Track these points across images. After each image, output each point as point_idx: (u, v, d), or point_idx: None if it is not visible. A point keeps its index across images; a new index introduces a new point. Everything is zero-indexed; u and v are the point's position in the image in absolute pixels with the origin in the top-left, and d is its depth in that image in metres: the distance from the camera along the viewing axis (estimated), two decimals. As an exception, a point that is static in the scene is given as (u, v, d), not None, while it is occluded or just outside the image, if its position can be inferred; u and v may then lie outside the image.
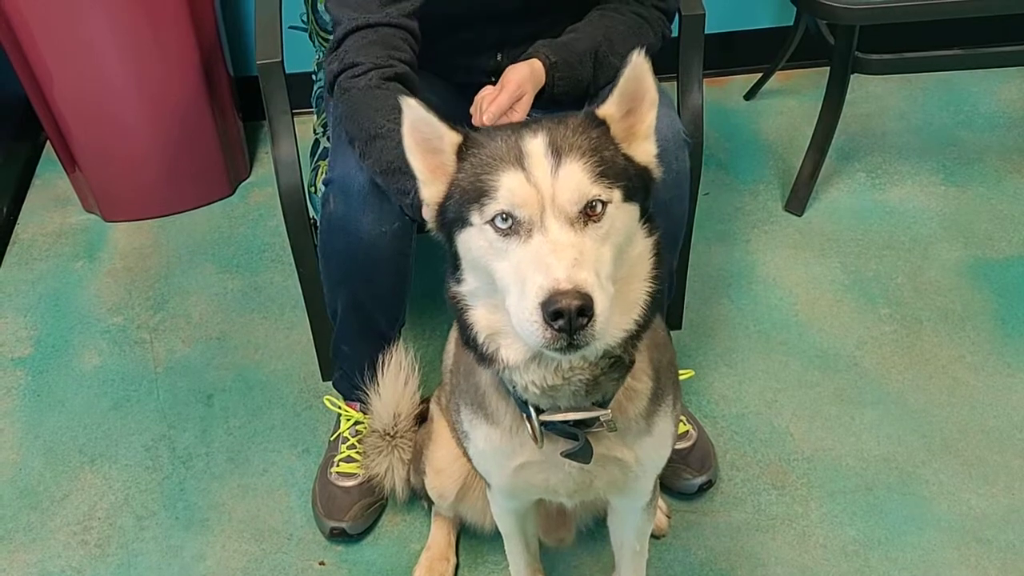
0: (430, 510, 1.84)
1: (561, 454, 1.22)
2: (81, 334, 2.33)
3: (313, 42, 2.14)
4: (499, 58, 1.69)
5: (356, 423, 1.91)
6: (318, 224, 1.71)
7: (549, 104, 1.56)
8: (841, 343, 2.18)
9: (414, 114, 1.11)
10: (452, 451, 1.64)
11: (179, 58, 2.44)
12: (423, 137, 1.12)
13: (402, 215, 1.57)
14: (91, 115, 2.47)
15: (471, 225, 1.07)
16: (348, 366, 1.86)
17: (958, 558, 1.78)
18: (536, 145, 1.05)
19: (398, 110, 1.33)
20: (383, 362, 1.72)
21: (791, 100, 2.90)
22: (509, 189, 1.03)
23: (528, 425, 1.19)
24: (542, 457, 1.25)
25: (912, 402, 2.05)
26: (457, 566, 1.81)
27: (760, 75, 2.90)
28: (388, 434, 1.82)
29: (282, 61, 1.83)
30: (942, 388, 2.07)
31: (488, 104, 1.48)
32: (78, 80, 2.40)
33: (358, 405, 1.90)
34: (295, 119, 1.86)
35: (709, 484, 1.89)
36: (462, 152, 1.11)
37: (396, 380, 1.75)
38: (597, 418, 1.18)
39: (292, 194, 1.82)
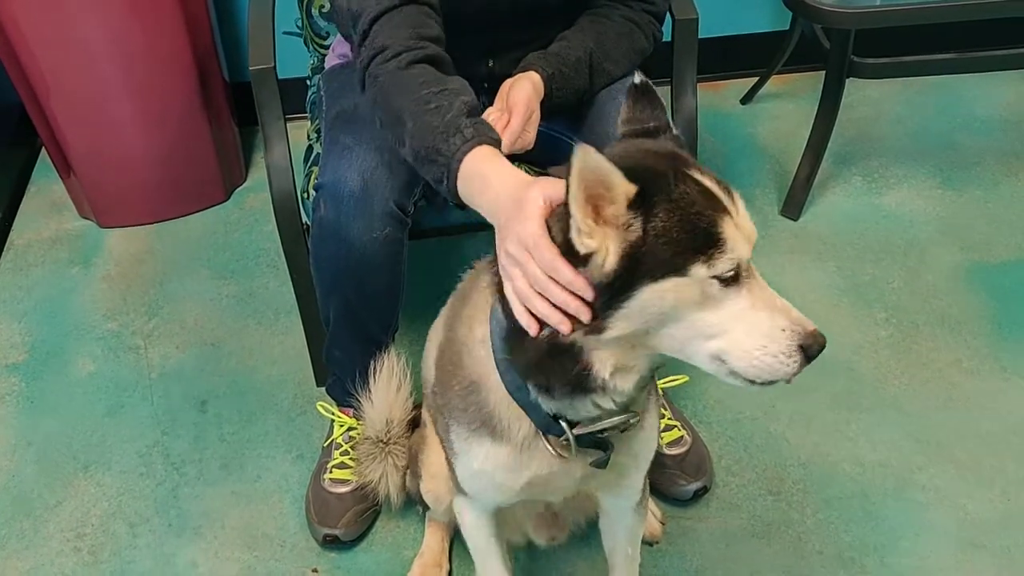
0: (424, 516, 1.83)
1: (591, 464, 1.22)
2: (75, 340, 2.33)
3: (308, 47, 2.13)
4: (491, 64, 1.68)
5: (349, 429, 1.90)
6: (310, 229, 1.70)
7: (547, 114, 1.55)
8: (837, 348, 2.17)
9: (585, 161, 0.97)
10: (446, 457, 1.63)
11: (174, 64, 2.44)
12: (587, 184, 0.99)
13: (394, 221, 1.57)
14: (86, 121, 2.46)
15: (683, 276, 1.01)
16: (341, 372, 1.85)
17: (954, 563, 1.77)
18: (711, 182, 1.04)
19: (426, 90, 1.34)
20: (376, 368, 1.71)
21: (788, 104, 2.90)
22: (734, 238, 1.02)
23: (545, 441, 1.19)
24: (554, 469, 1.24)
25: (908, 407, 2.04)
26: (450, 573, 1.80)
27: (756, 79, 2.90)
28: (382, 441, 1.80)
29: (275, 67, 1.82)
30: (938, 393, 2.06)
31: (502, 130, 1.45)
32: (73, 86, 2.40)
33: (351, 411, 1.89)
34: (291, 125, 1.85)
35: (704, 490, 1.88)
36: (641, 202, 1.00)
37: (388, 386, 1.73)
38: (627, 421, 1.18)
39: (285, 200, 1.81)
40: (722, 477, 1.93)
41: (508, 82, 1.54)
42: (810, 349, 1.05)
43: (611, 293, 1.01)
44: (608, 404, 1.13)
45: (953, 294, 2.28)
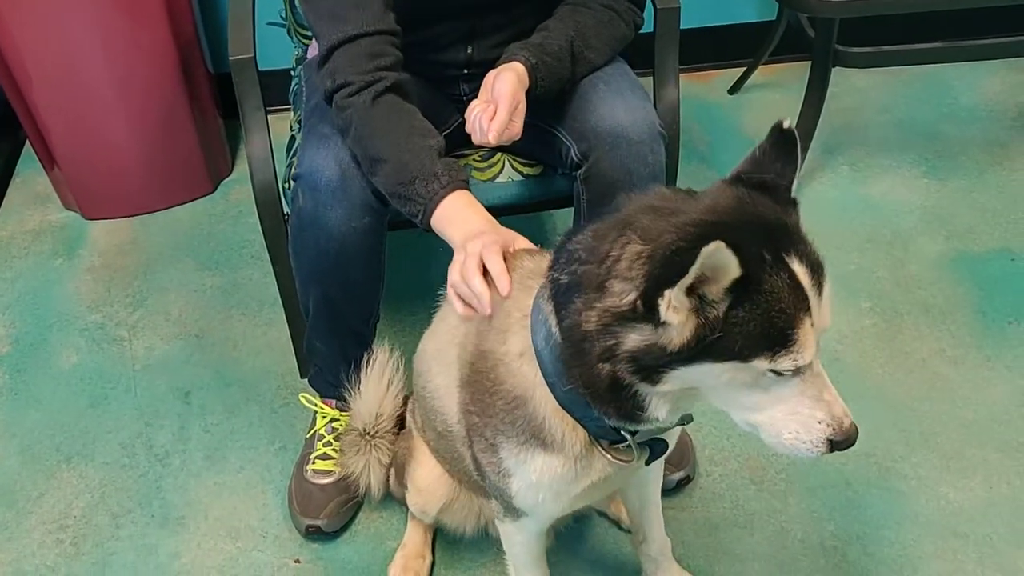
0: (408, 508, 1.83)
1: (648, 463, 1.26)
2: (59, 332, 2.32)
3: (292, 38, 2.12)
4: (469, 51, 1.68)
5: (332, 420, 1.90)
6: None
7: (530, 104, 1.55)
8: (823, 337, 2.16)
9: (715, 257, 0.95)
10: (434, 470, 1.62)
11: (157, 56, 2.43)
12: (704, 271, 0.97)
13: (373, 211, 1.56)
14: (69, 113, 2.45)
15: (744, 363, 1.01)
16: (323, 363, 1.84)
17: (935, 552, 1.77)
18: (805, 276, 1.02)
19: (398, 127, 1.46)
20: (366, 362, 1.69)
21: (775, 94, 2.89)
22: (805, 342, 1.01)
23: (600, 449, 1.21)
24: (611, 471, 1.25)
25: (892, 396, 2.04)
26: (433, 564, 1.80)
27: (744, 69, 2.90)
28: (368, 433, 1.79)
29: (254, 57, 1.81)
30: (922, 382, 2.07)
31: (488, 121, 1.46)
32: (56, 77, 2.38)
33: (334, 402, 1.89)
34: (276, 115, 1.84)
35: (687, 479, 1.88)
36: (739, 288, 0.98)
37: (380, 381, 1.70)
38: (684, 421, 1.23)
39: (266, 191, 1.80)
40: (705, 467, 1.93)
41: (492, 74, 1.53)
42: (839, 445, 1.07)
43: (670, 357, 1.01)
44: (665, 426, 1.16)
45: (937, 283, 2.28)
